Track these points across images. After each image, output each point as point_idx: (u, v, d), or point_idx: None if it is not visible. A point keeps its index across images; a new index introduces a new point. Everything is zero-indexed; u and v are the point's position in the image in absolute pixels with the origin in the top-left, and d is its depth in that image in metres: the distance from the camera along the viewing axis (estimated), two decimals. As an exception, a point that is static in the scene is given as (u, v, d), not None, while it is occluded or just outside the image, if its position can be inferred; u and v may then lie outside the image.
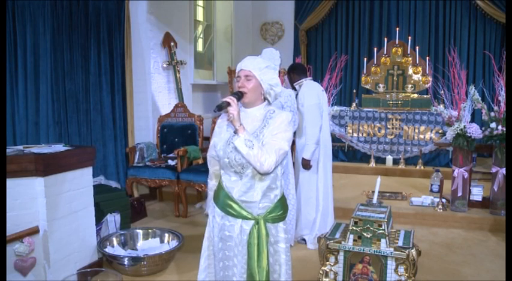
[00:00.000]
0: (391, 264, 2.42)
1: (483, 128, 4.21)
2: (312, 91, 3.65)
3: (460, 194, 4.30)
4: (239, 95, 1.93)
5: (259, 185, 1.94)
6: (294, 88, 3.85)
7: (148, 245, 3.47)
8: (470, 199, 4.39)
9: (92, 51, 4.36)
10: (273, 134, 1.90)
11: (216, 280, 2.10)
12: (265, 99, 2.02)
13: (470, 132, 4.11)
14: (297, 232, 3.79)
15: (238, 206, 1.96)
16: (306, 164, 3.64)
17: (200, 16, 7.09)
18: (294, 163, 3.82)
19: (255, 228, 1.96)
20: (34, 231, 2.70)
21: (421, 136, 6.13)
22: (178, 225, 4.25)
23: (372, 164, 6.29)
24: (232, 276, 2.02)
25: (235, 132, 1.85)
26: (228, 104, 1.84)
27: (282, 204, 2.03)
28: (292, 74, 3.84)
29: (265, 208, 1.97)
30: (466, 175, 4.27)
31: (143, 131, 5.22)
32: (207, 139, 5.24)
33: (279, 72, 3.88)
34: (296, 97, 3.72)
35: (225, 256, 2.03)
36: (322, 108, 3.67)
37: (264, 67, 1.96)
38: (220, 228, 2.03)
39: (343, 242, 2.50)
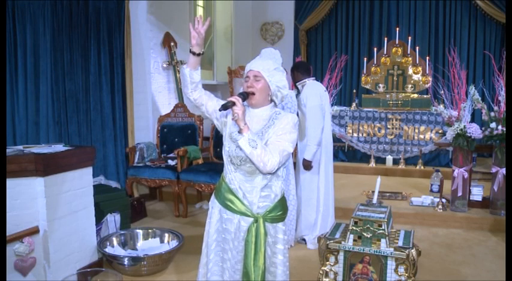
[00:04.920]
0: (391, 264, 2.42)
1: (483, 128, 4.20)
2: (315, 92, 3.62)
3: (460, 194, 4.30)
4: (244, 96, 1.93)
5: (258, 181, 1.95)
6: (296, 87, 3.84)
7: (148, 245, 3.47)
8: (470, 199, 4.38)
9: (92, 51, 4.36)
10: (278, 135, 1.90)
11: (213, 273, 2.09)
12: (271, 100, 2.02)
13: (470, 132, 4.11)
14: (297, 233, 3.78)
15: (239, 202, 1.97)
16: (307, 165, 3.61)
17: (200, 16, 7.08)
18: (295, 164, 3.81)
19: (253, 226, 1.96)
20: (34, 231, 2.70)
21: (421, 136, 6.13)
22: (178, 225, 4.25)
23: (372, 164, 6.30)
24: (229, 269, 2.03)
25: (240, 131, 1.86)
26: (233, 103, 1.84)
27: (282, 205, 2.03)
28: (296, 73, 3.78)
29: (264, 207, 1.98)
30: (466, 175, 4.26)
31: (143, 131, 5.21)
32: (207, 139, 5.24)
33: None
34: (297, 96, 3.71)
35: (222, 249, 2.06)
36: (324, 110, 3.64)
37: (273, 69, 1.97)
38: (218, 220, 2.05)
39: (343, 242, 2.50)
